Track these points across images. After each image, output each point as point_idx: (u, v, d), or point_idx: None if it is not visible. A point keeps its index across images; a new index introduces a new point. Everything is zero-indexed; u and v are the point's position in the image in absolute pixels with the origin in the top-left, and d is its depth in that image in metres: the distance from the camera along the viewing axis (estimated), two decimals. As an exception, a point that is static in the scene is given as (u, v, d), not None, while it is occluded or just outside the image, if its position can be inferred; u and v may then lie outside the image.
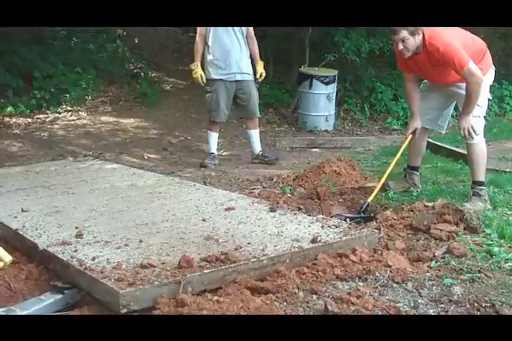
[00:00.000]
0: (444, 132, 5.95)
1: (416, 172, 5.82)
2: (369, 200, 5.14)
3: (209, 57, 7.23)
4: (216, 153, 7.56)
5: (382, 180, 5.42)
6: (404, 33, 4.99)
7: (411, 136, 5.58)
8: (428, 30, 5.07)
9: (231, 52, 7.19)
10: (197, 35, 7.26)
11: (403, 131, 9.52)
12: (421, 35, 5.02)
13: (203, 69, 7.28)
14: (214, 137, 7.57)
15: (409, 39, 5.02)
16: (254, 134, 7.63)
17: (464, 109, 5.16)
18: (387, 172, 5.51)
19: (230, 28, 7.13)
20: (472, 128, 5.14)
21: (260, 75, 7.43)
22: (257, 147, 7.61)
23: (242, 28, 7.15)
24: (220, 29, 7.12)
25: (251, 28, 7.25)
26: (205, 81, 7.32)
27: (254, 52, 7.40)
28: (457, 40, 5.07)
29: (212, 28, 7.12)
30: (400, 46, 5.08)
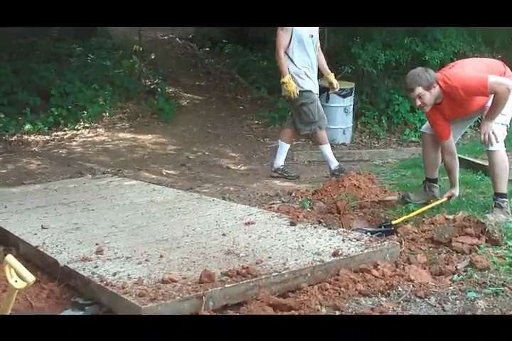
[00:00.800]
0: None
1: (435, 184, 5.78)
2: (394, 222, 5.05)
3: (296, 69, 7.25)
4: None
5: (411, 215, 5.33)
6: (419, 89, 5.06)
7: (445, 199, 5.54)
8: (441, 77, 5.12)
9: (313, 64, 7.30)
10: (279, 48, 7.20)
11: (421, 142, 9.50)
12: (437, 87, 5.08)
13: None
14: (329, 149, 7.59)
15: (425, 94, 5.08)
16: (279, 146, 7.63)
17: (488, 115, 5.14)
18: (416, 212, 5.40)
19: (310, 40, 7.20)
20: (493, 133, 5.11)
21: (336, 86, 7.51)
22: (277, 161, 7.55)
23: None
24: (305, 41, 7.17)
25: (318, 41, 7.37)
26: (297, 93, 7.26)
27: (325, 65, 7.53)
28: (470, 70, 5.12)
29: (296, 40, 7.15)
30: (418, 102, 5.14)
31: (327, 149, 7.50)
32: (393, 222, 5.01)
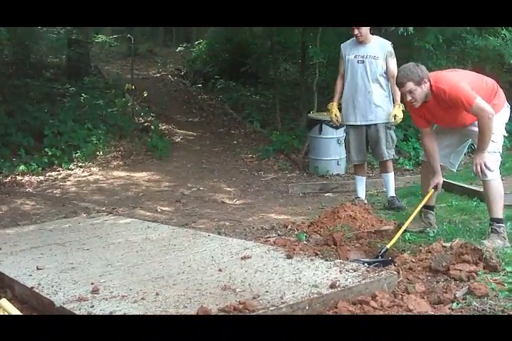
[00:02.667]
0: (455, 170, 5.91)
1: (431, 211, 5.78)
2: (388, 246, 5.06)
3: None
4: None
5: (401, 230, 5.34)
6: (410, 84, 5.07)
7: (433, 190, 5.54)
8: (433, 76, 5.14)
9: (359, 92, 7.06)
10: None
11: (415, 170, 9.55)
12: (428, 83, 5.09)
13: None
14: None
15: (417, 90, 5.09)
16: (385, 177, 7.39)
17: (479, 145, 5.15)
18: (407, 222, 5.43)
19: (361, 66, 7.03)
20: (485, 165, 5.11)
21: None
22: (390, 191, 7.30)
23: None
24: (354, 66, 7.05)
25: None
26: (338, 120, 7.29)
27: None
28: (465, 81, 5.12)
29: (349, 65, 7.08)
30: (409, 97, 5.15)
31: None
32: (388, 246, 5.00)
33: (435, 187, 5.52)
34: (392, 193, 7.20)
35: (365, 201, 7.12)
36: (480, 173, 5.16)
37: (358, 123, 7.07)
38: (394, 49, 7.06)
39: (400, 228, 5.36)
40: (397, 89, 6.43)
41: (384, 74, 6.99)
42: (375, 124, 7.02)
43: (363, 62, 6.97)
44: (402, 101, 6.65)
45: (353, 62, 7.01)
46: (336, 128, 9.35)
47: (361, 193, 7.33)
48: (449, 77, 5.18)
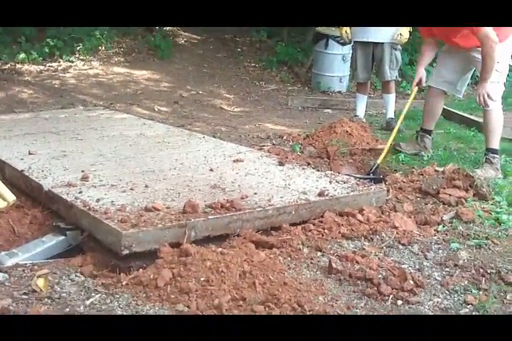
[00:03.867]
0: (461, 96, 5.91)
1: (428, 135, 5.75)
2: (378, 162, 5.09)
3: None
4: None
5: (391, 139, 5.37)
6: None
7: (417, 87, 5.58)
8: None
9: None
10: None
11: (417, 95, 9.44)
12: None
13: None
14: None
15: None
16: (385, 98, 7.40)
17: (481, 75, 5.08)
18: (395, 130, 5.50)
19: None
20: (488, 95, 5.06)
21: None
22: (389, 112, 7.33)
23: None
24: None
25: None
26: (348, 37, 7.18)
27: None
28: None
29: None
30: None
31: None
32: (378, 162, 5.03)
33: (419, 83, 5.54)
34: (391, 115, 7.21)
35: (364, 120, 7.10)
36: (483, 103, 5.11)
37: (365, 39, 7.00)
38: None
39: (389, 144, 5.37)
40: None
41: None
42: (382, 43, 6.95)
43: None
44: None
45: None
46: (343, 44, 9.21)
47: (360, 112, 7.31)
48: None
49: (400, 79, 7.66)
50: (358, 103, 7.36)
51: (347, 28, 7.09)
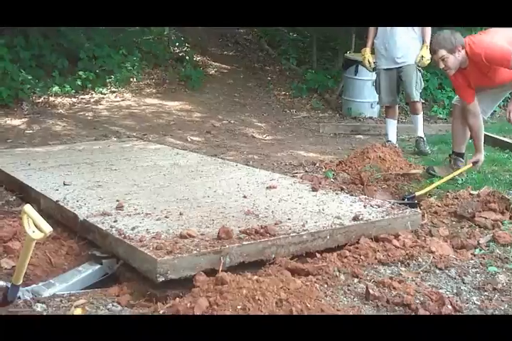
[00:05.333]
0: (485, 117, 5.81)
1: (461, 159, 5.72)
2: (417, 193, 5.01)
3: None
4: None
5: (434, 185, 5.28)
6: (442, 52, 5.06)
7: (470, 165, 5.53)
8: (469, 42, 5.07)
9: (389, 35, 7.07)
10: None
11: (448, 119, 9.45)
12: (462, 51, 5.06)
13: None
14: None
15: (449, 57, 5.06)
16: (413, 118, 7.48)
17: None
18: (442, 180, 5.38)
19: None
20: None
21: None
22: (417, 132, 7.35)
23: None
24: None
25: None
26: (371, 66, 7.34)
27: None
28: (499, 38, 5.02)
29: None
30: (441, 65, 5.13)
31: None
32: (417, 194, 4.97)
33: (474, 163, 5.51)
34: (419, 133, 7.25)
35: (396, 145, 7.08)
36: None
37: (388, 66, 7.13)
38: None
39: (433, 182, 5.32)
40: (426, 30, 6.72)
41: None
42: (407, 65, 7.03)
43: None
44: None
45: None
46: (373, 70, 9.22)
47: (392, 136, 7.31)
48: (482, 41, 5.08)
49: (423, 101, 7.69)
50: (389, 128, 7.38)
51: (369, 57, 7.24)
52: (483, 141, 5.56)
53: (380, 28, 7.09)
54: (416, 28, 6.93)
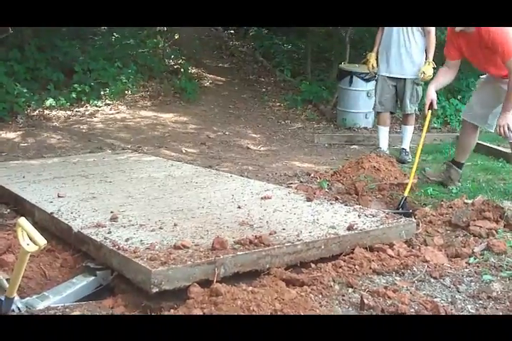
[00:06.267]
0: (492, 131, 5.81)
1: (456, 167, 5.75)
2: (405, 194, 5.05)
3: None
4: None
5: (413, 171, 5.35)
6: None
7: (430, 110, 5.57)
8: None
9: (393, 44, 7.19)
10: None
11: (443, 129, 9.51)
12: None
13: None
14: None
15: None
16: (403, 129, 7.60)
17: (504, 105, 5.08)
18: (416, 161, 5.52)
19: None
20: (509, 127, 5.05)
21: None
22: (403, 143, 7.52)
23: None
24: None
25: None
26: (374, 71, 7.50)
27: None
28: None
29: None
30: None
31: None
32: (405, 194, 5.00)
33: (430, 105, 5.54)
34: (404, 145, 7.43)
35: (387, 152, 7.17)
36: (503, 135, 5.10)
37: (388, 74, 7.26)
38: None
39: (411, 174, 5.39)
40: (431, 46, 6.80)
41: (420, 30, 7.05)
42: (405, 79, 7.17)
43: None
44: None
45: None
46: (367, 80, 9.27)
47: (383, 144, 7.47)
48: (499, 28, 4.97)
49: (418, 113, 7.79)
50: (380, 135, 7.53)
51: (373, 62, 7.35)
52: (435, 86, 5.60)
53: (384, 36, 7.21)
54: (419, 41, 7.05)
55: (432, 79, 6.40)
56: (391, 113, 7.66)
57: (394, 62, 7.17)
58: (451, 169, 5.74)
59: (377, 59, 7.37)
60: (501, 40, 4.92)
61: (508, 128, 5.05)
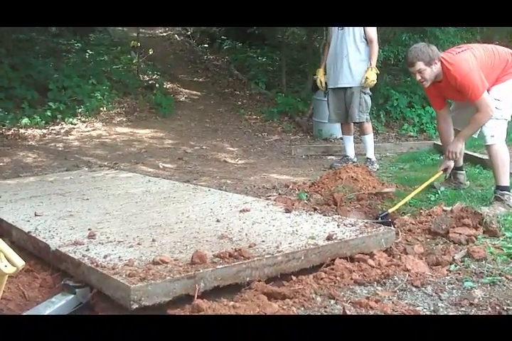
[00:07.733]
0: (476, 136, 5.83)
1: (460, 171, 5.89)
2: (390, 211, 5.03)
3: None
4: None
5: (405, 199, 5.30)
6: (420, 64, 5.12)
7: (441, 172, 5.59)
8: (446, 57, 5.15)
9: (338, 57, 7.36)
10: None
11: (419, 137, 9.56)
12: (438, 64, 5.15)
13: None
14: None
15: (426, 70, 5.13)
16: (363, 139, 7.72)
17: (461, 133, 5.28)
18: (412, 194, 5.39)
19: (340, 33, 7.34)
20: (456, 155, 5.30)
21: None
22: (367, 153, 7.62)
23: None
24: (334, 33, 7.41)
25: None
26: (322, 86, 7.71)
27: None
28: (476, 65, 5.10)
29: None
30: (418, 77, 5.20)
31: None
32: (389, 211, 4.97)
33: (444, 170, 5.56)
34: (368, 154, 7.56)
35: (355, 159, 7.29)
36: (451, 158, 5.33)
37: (336, 86, 7.47)
38: None
39: (406, 196, 5.34)
40: (374, 52, 7.13)
41: (363, 40, 7.26)
42: (351, 88, 7.35)
43: (343, 28, 7.29)
44: (377, 65, 7.34)
45: (334, 29, 7.40)
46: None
47: (350, 152, 7.63)
48: (461, 64, 5.11)
49: (366, 120, 7.85)
50: (345, 144, 7.72)
51: (321, 77, 7.62)
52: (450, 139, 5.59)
53: (330, 50, 7.45)
54: (363, 51, 7.25)
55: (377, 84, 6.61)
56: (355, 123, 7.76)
57: (340, 74, 7.36)
58: (458, 174, 5.85)
59: (325, 74, 7.59)
60: (467, 82, 5.04)
61: (455, 155, 5.26)
